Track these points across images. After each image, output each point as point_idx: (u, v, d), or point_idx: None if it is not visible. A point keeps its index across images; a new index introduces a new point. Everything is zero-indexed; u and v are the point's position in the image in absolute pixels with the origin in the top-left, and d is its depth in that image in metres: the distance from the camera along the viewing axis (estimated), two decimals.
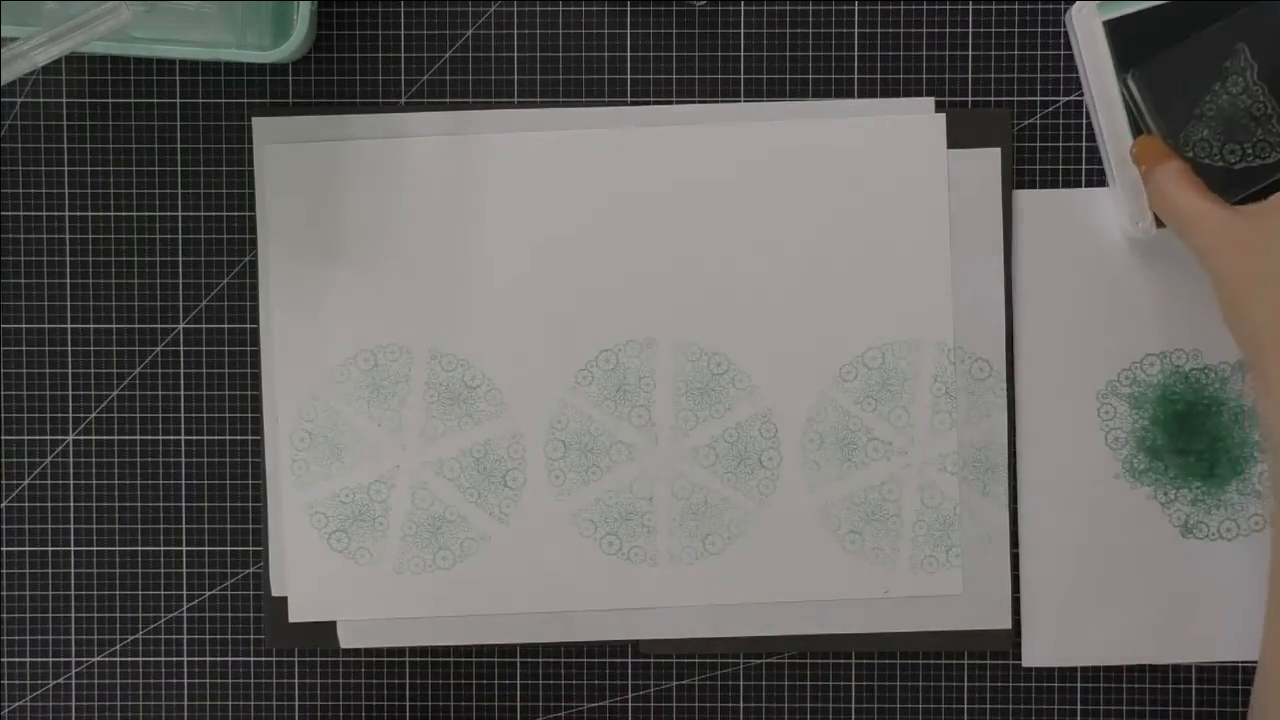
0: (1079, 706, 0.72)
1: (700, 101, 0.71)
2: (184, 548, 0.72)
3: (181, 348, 0.72)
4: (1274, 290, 0.61)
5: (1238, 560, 0.71)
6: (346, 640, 0.72)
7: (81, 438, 0.72)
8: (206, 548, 0.72)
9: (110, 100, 0.72)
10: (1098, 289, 0.71)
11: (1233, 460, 0.71)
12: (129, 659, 0.72)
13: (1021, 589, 0.71)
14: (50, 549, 0.72)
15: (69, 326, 0.72)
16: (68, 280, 0.72)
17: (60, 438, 0.72)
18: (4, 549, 0.72)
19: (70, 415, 0.72)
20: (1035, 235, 0.71)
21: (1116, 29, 0.69)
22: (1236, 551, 0.71)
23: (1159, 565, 0.71)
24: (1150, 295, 0.71)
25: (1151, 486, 0.71)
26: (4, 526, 0.72)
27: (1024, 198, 0.71)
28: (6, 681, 0.72)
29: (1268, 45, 0.68)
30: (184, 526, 0.72)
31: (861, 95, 0.71)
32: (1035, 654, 0.72)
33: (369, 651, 0.72)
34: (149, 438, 0.72)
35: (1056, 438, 0.71)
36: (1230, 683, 0.72)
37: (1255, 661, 0.71)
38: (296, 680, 0.72)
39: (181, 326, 0.72)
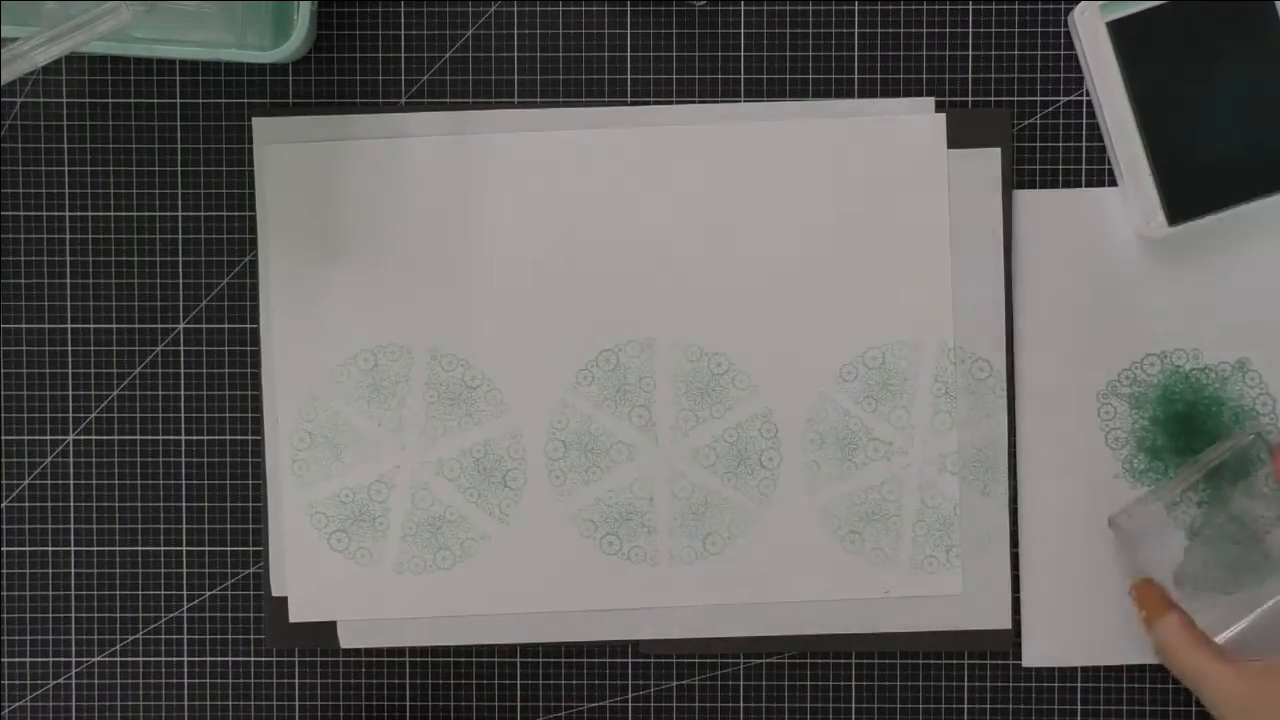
0: (1079, 706, 0.72)
1: (700, 101, 0.71)
2: (184, 548, 0.72)
3: (181, 348, 0.72)
4: None
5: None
6: (346, 640, 0.72)
7: (81, 438, 0.72)
8: (206, 548, 0.72)
9: (110, 100, 0.72)
10: (1098, 289, 0.71)
11: None
12: (129, 659, 0.72)
13: (1021, 589, 0.71)
14: (50, 549, 0.72)
15: (69, 326, 0.72)
16: (68, 280, 0.72)
17: (60, 438, 0.72)
18: (4, 549, 0.72)
19: (70, 415, 0.72)
20: (1036, 235, 0.71)
21: (1119, 30, 0.69)
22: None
23: (1161, 565, 0.71)
24: (1151, 295, 0.71)
25: (1152, 487, 0.71)
26: (4, 526, 0.72)
27: (1024, 198, 0.71)
28: (6, 681, 0.72)
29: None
30: (184, 526, 0.72)
31: (861, 95, 0.71)
32: (1035, 654, 0.72)
33: (369, 651, 0.72)
34: (149, 438, 0.72)
35: (1057, 438, 0.71)
36: None
37: (1256, 662, 0.71)
38: (296, 680, 0.72)
39: (181, 326, 0.72)
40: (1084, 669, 0.72)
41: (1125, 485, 0.72)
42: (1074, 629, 0.71)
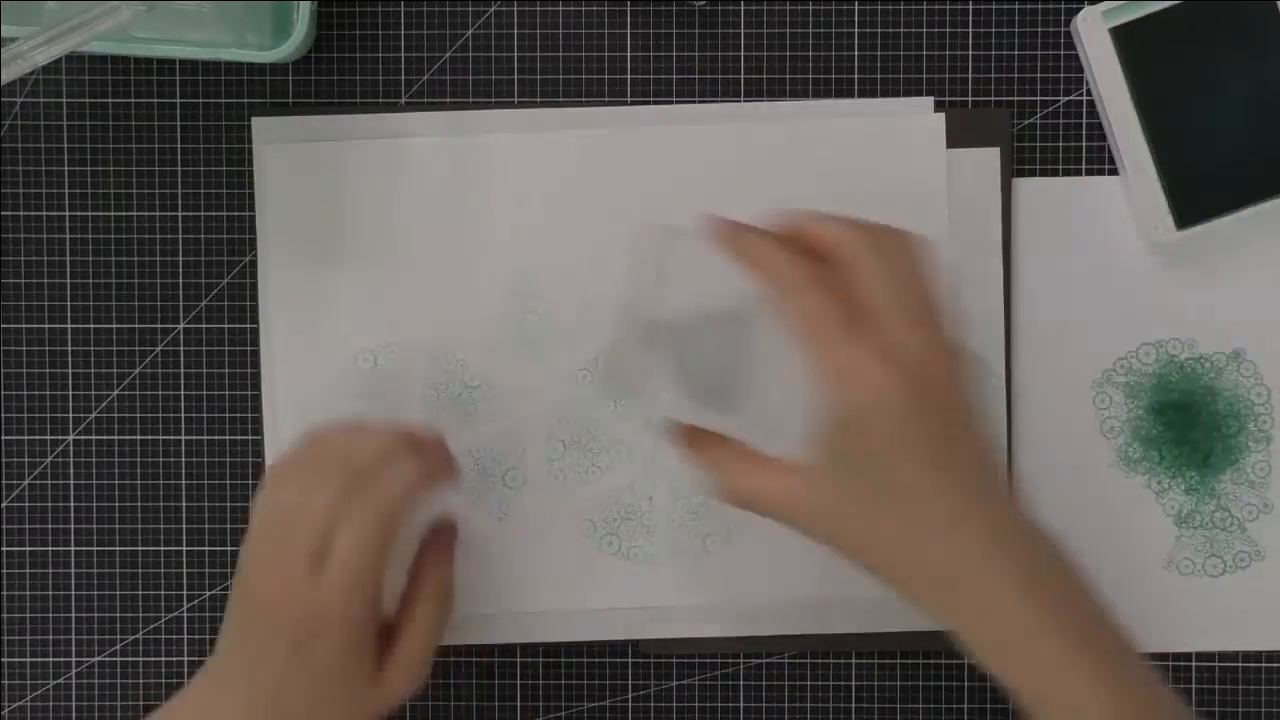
0: None
1: (700, 101, 0.71)
2: (184, 548, 0.72)
3: (181, 348, 0.72)
4: (885, 520, 0.56)
5: (1233, 550, 0.71)
6: None
7: (81, 438, 0.72)
8: (206, 548, 0.72)
9: (110, 100, 0.72)
10: (1095, 278, 0.71)
11: (1227, 450, 0.71)
12: (129, 659, 0.72)
13: None
14: (50, 549, 0.72)
15: (69, 326, 0.72)
16: (68, 280, 0.72)
17: (60, 438, 0.72)
18: (4, 549, 0.72)
19: (70, 415, 0.72)
20: (1033, 224, 0.71)
21: (1122, 35, 0.69)
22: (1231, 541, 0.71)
23: (1153, 554, 0.72)
24: (1146, 285, 0.71)
25: (1146, 476, 0.72)
26: (4, 526, 0.72)
27: (1023, 186, 0.71)
28: (6, 681, 0.72)
29: None
30: (184, 526, 0.72)
31: (861, 95, 0.71)
32: None
33: None
34: (149, 438, 0.72)
35: (1052, 426, 0.71)
36: (1230, 671, 0.72)
37: (1255, 650, 0.71)
38: None
39: (181, 326, 0.72)
40: None
41: (1120, 474, 0.72)
42: None
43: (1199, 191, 0.70)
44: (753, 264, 0.58)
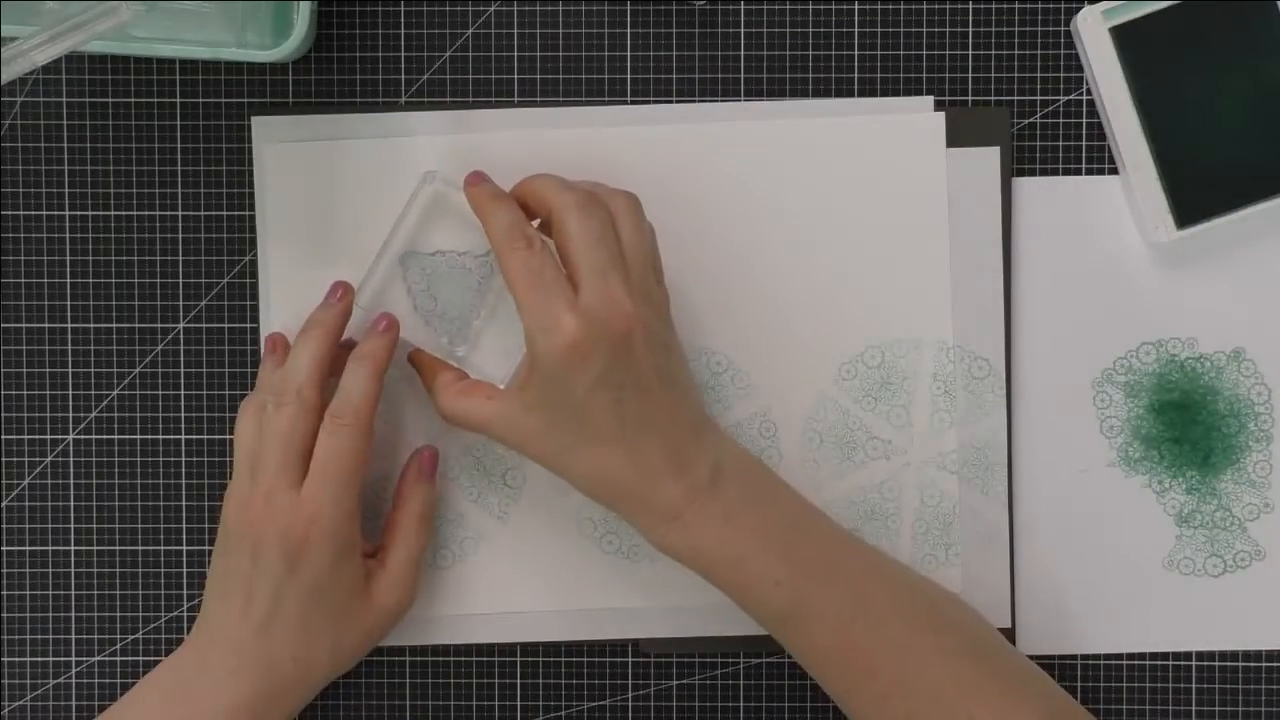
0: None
1: (700, 101, 0.71)
2: (184, 548, 0.72)
3: (181, 348, 0.72)
4: (566, 439, 0.64)
5: (1233, 550, 0.71)
6: None
7: (81, 438, 0.72)
8: (206, 548, 0.72)
9: (110, 100, 0.72)
10: (1095, 278, 0.71)
11: (1227, 449, 0.71)
12: (129, 659, 0.72)
13: (1015, 575, 0.71)
14: (50, 549, 0.72)
15: (69, 326, 0.72)
16: (68, 280, 0.72)
17: (60, 438, 0.72)
18: (4, 549, 0.72)
19: (70, 415, 0.72)
20: (1033, 223, 0.71)
21: (1123, 35, 0.69)
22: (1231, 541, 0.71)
23: (1153, 553, 0.72)
24: (1146, 284, 0.71)
25: (1146, 475, 0.72)
26: (4, 526, 0.72)
27: (1023, 185, 0.71)
28: (6, 681, 0.72)
29: None
30: (184, 526, 0.72)
31: (861, 95, 0.71)
32: (1029, 642, 0.72)
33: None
34: (149, 438, 0.72)
35: (1052, 425, 0.71)
36: (1230, 671, 0.72)
37: (1255, 650, 0.71)
38: None
39: (181, 326, 0.72)
40: (1083, 665, 0.72)
41: (1120, 473, 0.72)
42: (1068, 617, 0.71)
43: (1199, 191, 0.70)
44: (484, 221, 0.65)
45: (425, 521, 0.69)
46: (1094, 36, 0.70)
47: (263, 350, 0.70)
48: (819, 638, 0.64)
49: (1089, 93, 0.71)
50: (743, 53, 0.72)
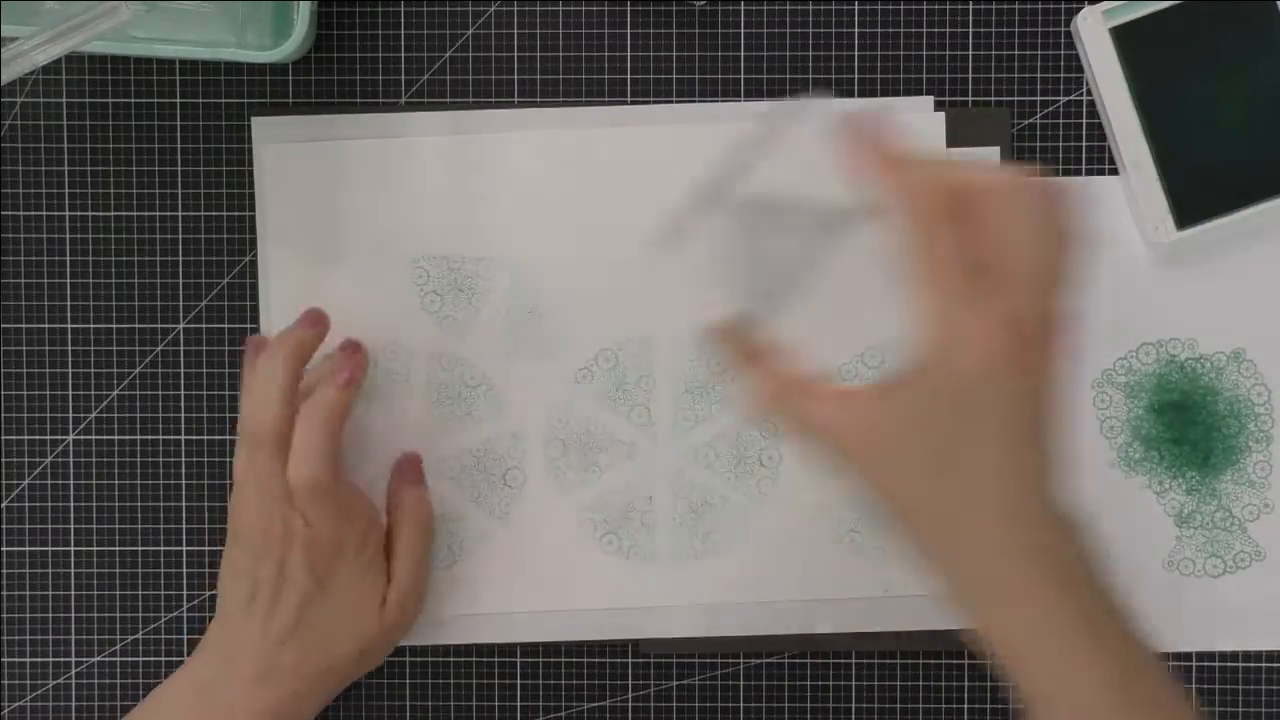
0: None
1: (700, 101, 0.71)
2: (184, 548, 0.72)
3: (181, 348, 0.72)
4: (930, 483, 0.54)
5: (1233, 550, 0.71)
6: None
7: (81, 438, 0.72)
8: (206, 548, 0.72)
9: (110, 100, 0.72)
10: (1095, 278, 0.71)
11: (1227, 450, 0.71)
12: (129, 659, 0.72)
13: None
14: (50, 549, 0.72)
15: (69, 326, 0.72)
16: (68, 280, 0.72)
17: (60, 438, 0.72)
18: (4, 549, 0.72)
19: (70, 415, 0.72)
20: None
21: (1123, 35, 0.69)
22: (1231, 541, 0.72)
23: (1153, 554, 0.72)
24: (1146, 285, 0.71)
25: (1146, 476, 0.72)
26: (4, 526, 0.72)
27: None
28: (6, 681, 0.72)
29: None
30: (184, 526, 0.72)
31: (861, 95, 0.71)
32: None
33: None
34: (149, 438, 0.72)
35: None
36: (1230, 671, 0.72)
37: (1255, 650, 0.71)
38: None
39: (181, 326, 0.72)
40: None
41: (1120, 474, 0.72)
42: None
43: (1199, 191, 0.70)
44: (896, 189, 0.55)
45: (422, 527, 0.69)
46: (1094, 37, 0.70)
47: (245, 356, 0.69)
48: None
49: (1089, 93, 0.71)
50: (743, 53, 0.72)
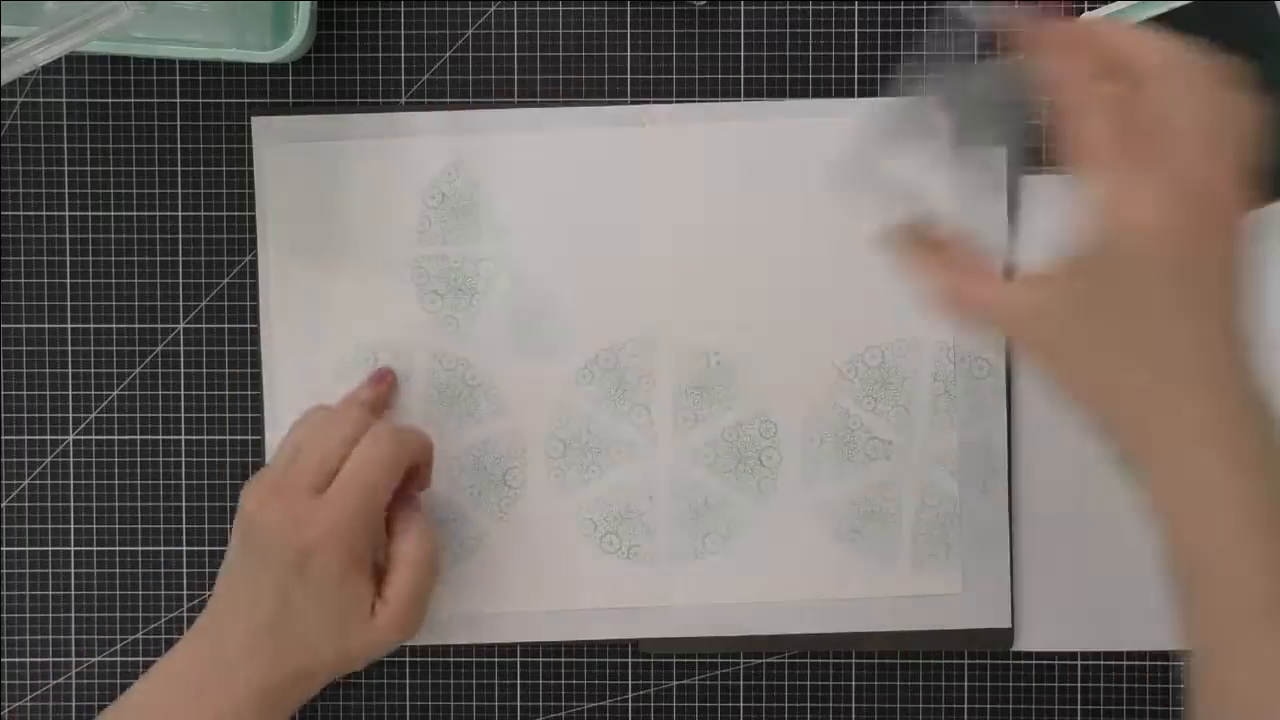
0: (1079, 706, 0.72)
1: (700, 101, 0.71)
2: (184, 548, 0.72)
3: (181, 348, 0.72)
4: (1113, 362, 0.51)
5: None
6: None
7: (81, 438, 0.72)
8: (206, 548, 0.72)
9: (110, 100, 0.72)
10: None
11: None
12: (129, 659, 0.72)
13: (1015, 575, 0.71)
14: (50, 549, 0.72)
15: (69, 326, 0.72)
16: (68, 280, 0.72)
17: (60, 438, 0.72)
18: (4, 549, 0.72)
19: (70, 415, 0.72)
20: (1038, 221, 0.71)
21: None
22: None
23: (1153, 554, 0.72)
24: None
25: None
26: (4, 526, 0.72)
27: (1029, 183, 0.71)
28: (6, 681, 0.72)
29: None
30: (184, 526, 0.72)
31: (861, 95, 0.71)
32: (1030, 641, 0.72)
33: None
34: (149, 438, 0.72)
35: (1052, 424, 0.71)
36: None
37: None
38: None
39: (181, 326, 0.72)
40: (1083, 666, 0.72)
41: (1119, 474, 0.71)
42: (1069, 616, 0.71)
43: None
44: (1052, 49, 0.52)
45: (425, 538, 0.67)
46: None
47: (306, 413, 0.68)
48: None
49: None
50: (743, 53, 0.72)
